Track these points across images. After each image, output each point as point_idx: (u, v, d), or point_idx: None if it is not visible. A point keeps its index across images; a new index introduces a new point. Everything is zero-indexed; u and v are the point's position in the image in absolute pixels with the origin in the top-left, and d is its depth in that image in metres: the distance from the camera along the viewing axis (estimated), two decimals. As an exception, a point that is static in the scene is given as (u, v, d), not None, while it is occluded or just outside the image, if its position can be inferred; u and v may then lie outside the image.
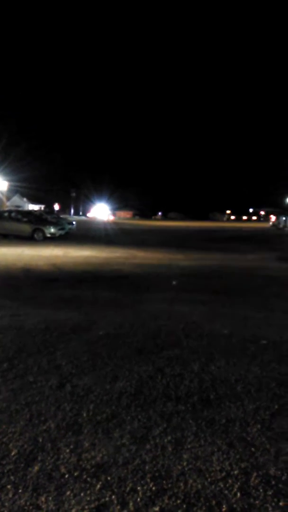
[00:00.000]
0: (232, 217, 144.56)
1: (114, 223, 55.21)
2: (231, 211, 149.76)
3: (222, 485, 2.42)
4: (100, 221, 53.28)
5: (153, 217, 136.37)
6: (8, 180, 64.70)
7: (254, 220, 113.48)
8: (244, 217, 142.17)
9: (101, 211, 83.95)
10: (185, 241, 26.43)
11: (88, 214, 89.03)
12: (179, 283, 9.54)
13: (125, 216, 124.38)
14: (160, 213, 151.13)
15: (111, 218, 78.51)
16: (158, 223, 75.27)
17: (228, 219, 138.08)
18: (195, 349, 4.75)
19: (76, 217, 62.63)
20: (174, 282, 8.72)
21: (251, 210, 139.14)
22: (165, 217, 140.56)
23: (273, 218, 63.58)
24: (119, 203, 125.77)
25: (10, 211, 25.34)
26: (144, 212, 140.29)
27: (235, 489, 2.39)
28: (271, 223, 60.36)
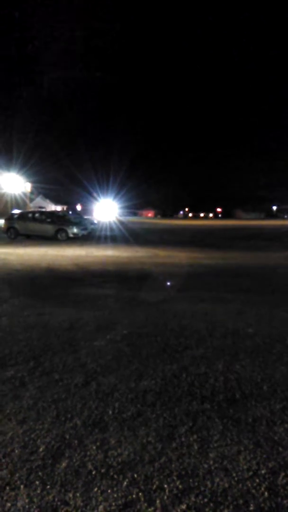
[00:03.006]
0: (190, 214, 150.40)
1: (120, 222, 47.08)
2: (189, 209, 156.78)
3: (249, 484, 2.40)
4: (105, 222, 41.84)
5: (174, 215, 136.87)
6: (31, 182, 65.68)
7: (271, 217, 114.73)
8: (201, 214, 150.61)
9: (106, 210, 66.17)
10: (207, 239, 26.26)
11: (94, 214, 68.91)
12: (202, 282, 9.50)
13: (146, 215, 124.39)
14: (181, 212, 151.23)
15: (119, 218, 65.44)
16: (179, 222, 75.00)
17: (186, 216, 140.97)
18: (219, 348, 4.72)
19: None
20: (168, 284, 8.83)
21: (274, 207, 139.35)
22: (186, 216, 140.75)
23: None
24: (140, 202, 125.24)
25: (33, 212, 25.67)
26: (165, 211, 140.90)
27: (262, 489, 2.37)
28: None
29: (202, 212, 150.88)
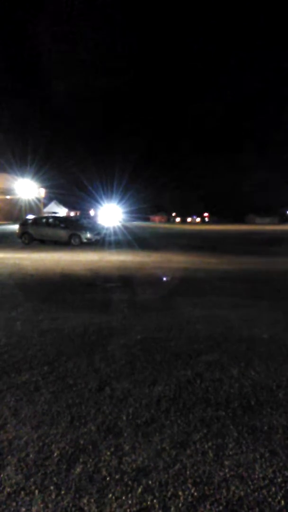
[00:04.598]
0: (177, 219, 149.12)
1: (126, 227, 44.15)
2: (176, 214, 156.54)
3: (265, 493, 2.37)
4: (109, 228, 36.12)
5: (173, 220, 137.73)
6: (45, 187, 66.24)
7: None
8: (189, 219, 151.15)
9: (109, 215, 58.54)
10: (220, 245, 26.15)
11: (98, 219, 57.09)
12: (217, 287, 9.44)
13: (159, 220, 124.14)
14: (194, 217, 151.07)
15: (124, 223, 58.32)
16: (190, 227, 74.81)
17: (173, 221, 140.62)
18: (234, 354, 4.68)
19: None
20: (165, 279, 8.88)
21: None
22: (200, 221, 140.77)
23: None
24: (148, 206, 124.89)
25: (47, 217, 25.85)
26: (171, 217, 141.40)
27: (278, 497, 2.34)
28: None
29: (189, 217, 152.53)
